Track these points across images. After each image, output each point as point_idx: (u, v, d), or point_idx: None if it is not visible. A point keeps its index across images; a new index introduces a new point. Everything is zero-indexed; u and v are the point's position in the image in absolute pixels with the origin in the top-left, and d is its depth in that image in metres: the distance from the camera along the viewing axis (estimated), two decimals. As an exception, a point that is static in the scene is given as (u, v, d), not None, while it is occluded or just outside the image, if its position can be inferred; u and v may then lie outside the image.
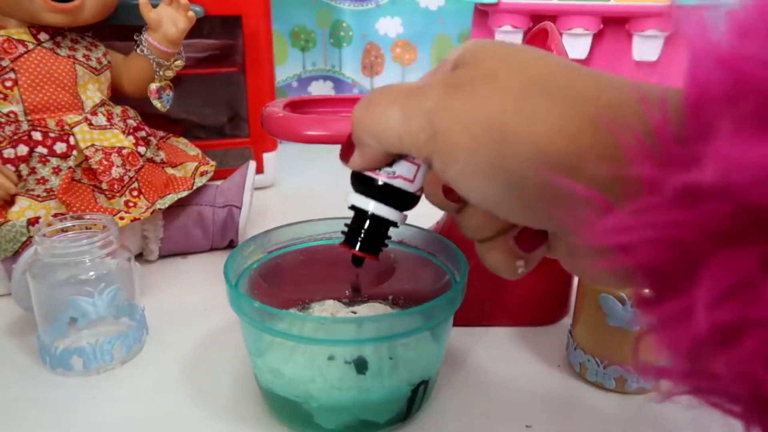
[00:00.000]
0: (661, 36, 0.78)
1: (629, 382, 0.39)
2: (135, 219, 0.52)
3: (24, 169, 0.52)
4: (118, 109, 0.59)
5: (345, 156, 0.29)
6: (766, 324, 0.14)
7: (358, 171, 0.29)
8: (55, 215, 0.49)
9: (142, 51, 0.60)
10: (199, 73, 0.76)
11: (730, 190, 0.14)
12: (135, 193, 0.55)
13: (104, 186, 0.53)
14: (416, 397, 0.36)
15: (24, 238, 0.49)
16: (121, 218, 0.51)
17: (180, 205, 0.57)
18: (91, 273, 0.41)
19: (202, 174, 0.60)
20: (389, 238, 0.31)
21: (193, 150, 0.65)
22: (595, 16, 0.78)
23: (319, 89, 1.06)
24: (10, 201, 0.51)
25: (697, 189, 0.14)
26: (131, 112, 0.60)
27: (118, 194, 0.54)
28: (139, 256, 0.58)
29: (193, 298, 0.52)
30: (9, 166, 0.51)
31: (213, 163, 0.63)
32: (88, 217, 0.44)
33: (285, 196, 0.79)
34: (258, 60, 0.75)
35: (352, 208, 0.30)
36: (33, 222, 0.49)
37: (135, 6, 0.58)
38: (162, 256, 0.59)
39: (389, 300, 0.44)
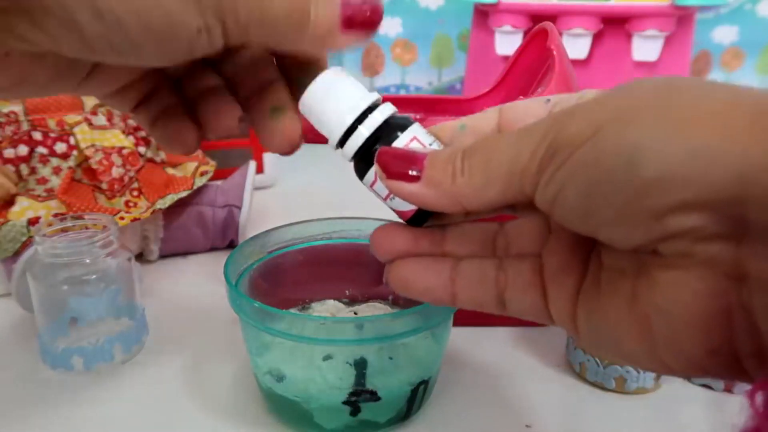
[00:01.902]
0: (661, 36, 0.79)
1: (629, 382, 0.39)
2: (135, 219, 0.52)
3: (24, 169, 0.52)
4: (118, 109, 0.59)
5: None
6: None
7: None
8: (56, 215, 0.49)
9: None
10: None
11: None
12: (135, 193, 0.55)
13: (104, 186, 0.53)
14: (416, 397, 0.36)
15: (24, 238, 0.49)
16: (121, 218, 0.51)
17: (180, 205, 0.57)
18: (91, 273, 0.41)
19: (202, 174, 0.60)
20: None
21: (193, 150, 0.65)
22: (595, 16, 0.78)
23: (319, 89, 1.06)
24: (10, 201, 0.51)
25: None
26: (131, 112, 0.60)
27: (118, 194, 0.54)
28: (139, 256, 0.58)
29: (193, 298, 0.52)
30: (9, 166, 0.51)
31: (213, 163, 0.63)
32: (88, 217, 0.44)
33: (285, 196, 0.78)
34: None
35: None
36: (33, 222, 0.49)
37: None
38: (162, 256, 0.59)
39: (389, 300, 0.44)
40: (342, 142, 0.25)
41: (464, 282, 0.24)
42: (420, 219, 0.25)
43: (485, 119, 0.26)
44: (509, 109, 0.26)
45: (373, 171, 0.25)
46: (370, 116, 0.25)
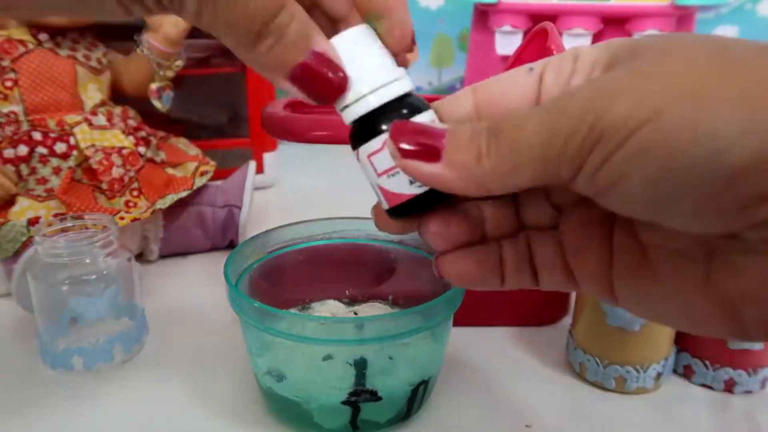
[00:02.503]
0: (661, 36, 0.78)
1: (629, 382, 0.39)
2: (135, 219, 0.52)
3: (24, 169, 0.52)
4: (118, 110, 0.59)
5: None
6: None
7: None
8: (56, 215, 0.49)
9: (143, 51, 0.60)
10: (199, 73, 0.76)
11: None
12: (135, 193, 0.55)
13: (104, 186, 0.53)
14: (416, 397, 0.36)
15: (24, 238, 0.49)
16: (121, 218, 0.51)
17: (180, 205, 0.57)
18: (91, 273, 0.41)
19: (202, 174, 0.60)
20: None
21: (193, 150, 0.65)
22: (595, 16, 0.78)
23: (319, 89, 1.06)
24: (10, 201, 0.51)
25: None
26: (131, 112, 0.60)
27: (118, 194, 0.54)
28: (139, 256, 0.58)
29: (193, 298, 0.52)
30: (9, 166, 0.51)
31: (213, 163, 0.63)
32: (88, 217, 0.44)
33: (285, 196, 0.78)
34: (258, 60, 0.74)
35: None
36: (33, 222, 0.49)
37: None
38: (162, 256, 0.59)
39: (389, 300, 0.44)
40: (347, 107, 0.23)
41: (510, 267, 0.24)
42: (412, 207, 0.23)
43: (458, 103, 0.24)
44: (485, 87, 0.24)
45: (377, 142, 0.23)
46: (384, 87, 0.23)
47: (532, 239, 0.24)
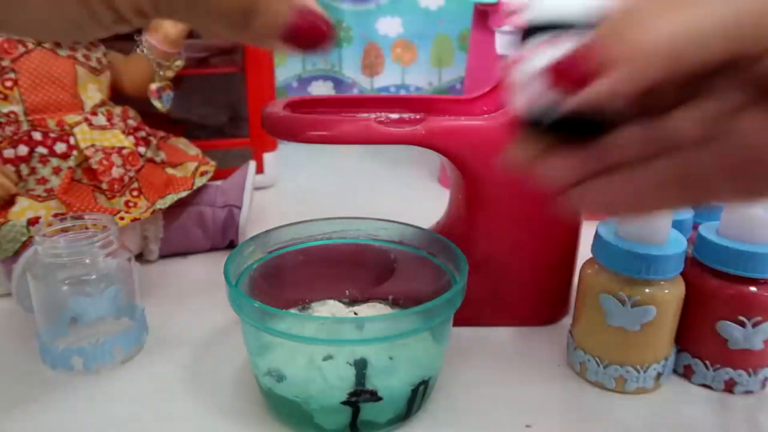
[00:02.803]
0: (661, 36, 0.78)
1: (629, 382, 0.39)
2: (135, 219, 0.52)
3: (24, 169, 0.52)
4: (118, 110, 0.59)
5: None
6: None
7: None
8: (55, 215, 0.49)
9: (143, 51, 0.60)
10: (199, 73, 0.76)
11: None
12: (135, 193, 0.55)
13: (104, 186, 0.53)
14: (416, 397, 0.36)
15: (24, 238, 0.49)
16: (121, 218, 0.51)
17: (180, 205, 0.57)
18: (91, 273, 0.41)
19: (202, 174, 0.60)
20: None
21: (193, 150, 0.65)
22: (595, 16, 0.78)
23: (319, 89, 1.06)
24: (10, 201, 0.51)
25: None
26: (131, 112, 0.60)
27: (118, 194, 0.54)
28: (139, 256, 0.58)
29: (193, 298, 0.52)
30: (9, 166, 0.51)
31: (213, 163, 0.63)
32: (88, 217, 0.44)
33: (285, 196, 0.79)
34: (258, 60, 0.75)
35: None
36: (33, 222, 0.49)
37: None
38: (162, 256, 0.59)
39: (389, 300, 0.44)
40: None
41: (672, 186, 0.21)
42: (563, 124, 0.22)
43: None
44: None
45: (530, 47, 0.22)
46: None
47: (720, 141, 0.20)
